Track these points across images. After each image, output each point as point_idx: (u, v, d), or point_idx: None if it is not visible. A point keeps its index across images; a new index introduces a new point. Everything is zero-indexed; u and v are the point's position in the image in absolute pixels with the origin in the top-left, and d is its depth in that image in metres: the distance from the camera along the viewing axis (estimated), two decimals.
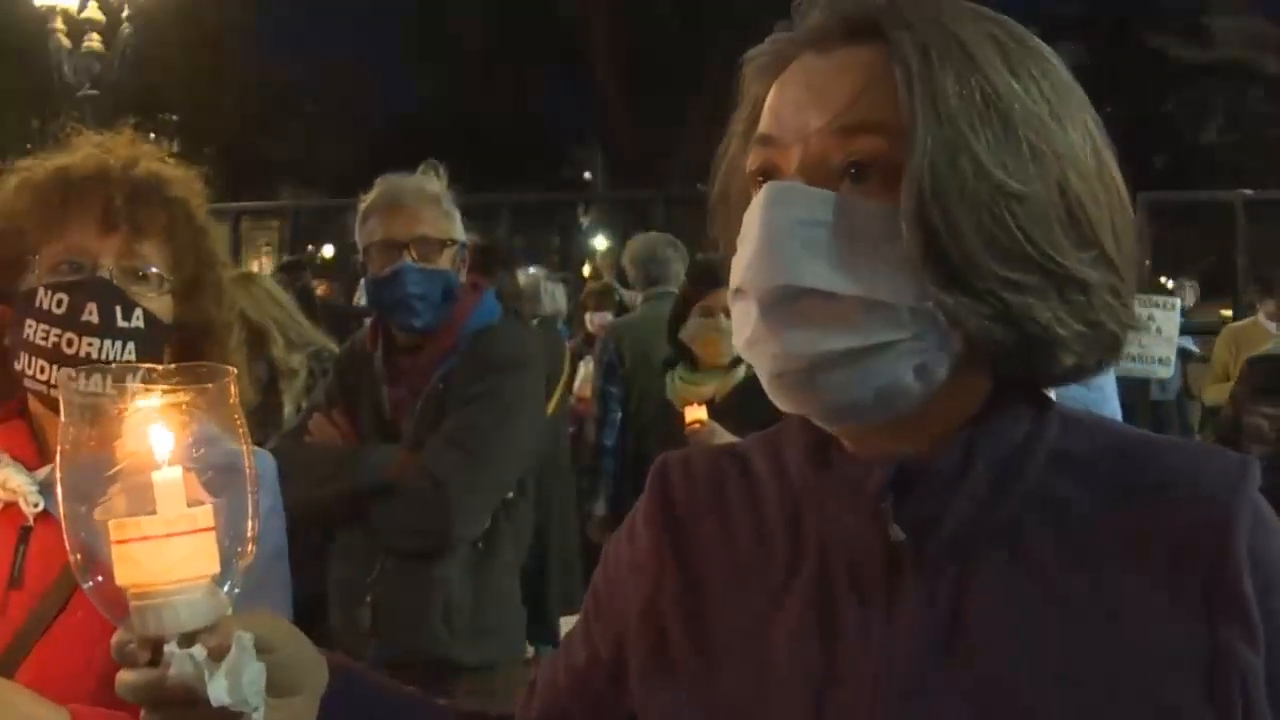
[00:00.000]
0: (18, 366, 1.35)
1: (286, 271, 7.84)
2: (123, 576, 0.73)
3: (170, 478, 0.73)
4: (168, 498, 0.73)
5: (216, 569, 0.75)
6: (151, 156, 1.46)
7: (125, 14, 9.71)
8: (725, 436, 2.86)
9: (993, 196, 0.76)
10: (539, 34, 24.40)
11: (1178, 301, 6.17)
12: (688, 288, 3.57)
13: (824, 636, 0.84)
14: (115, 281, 1.37)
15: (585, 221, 17.44)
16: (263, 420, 3.71)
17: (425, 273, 2.50)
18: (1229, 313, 8.96)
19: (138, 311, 1.37)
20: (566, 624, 2.58)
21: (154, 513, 0.73)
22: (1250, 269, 8.49)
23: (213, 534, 0.74)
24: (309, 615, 2.60)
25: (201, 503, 0.75)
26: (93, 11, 9.49)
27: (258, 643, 0.75)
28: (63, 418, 0.77)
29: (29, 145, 1.50)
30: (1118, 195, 0.84)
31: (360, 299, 8.37)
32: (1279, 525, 0.83)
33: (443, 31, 25.55)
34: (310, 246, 12.37)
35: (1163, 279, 9.63)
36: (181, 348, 1.42)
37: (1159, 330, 5.96)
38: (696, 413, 3.22)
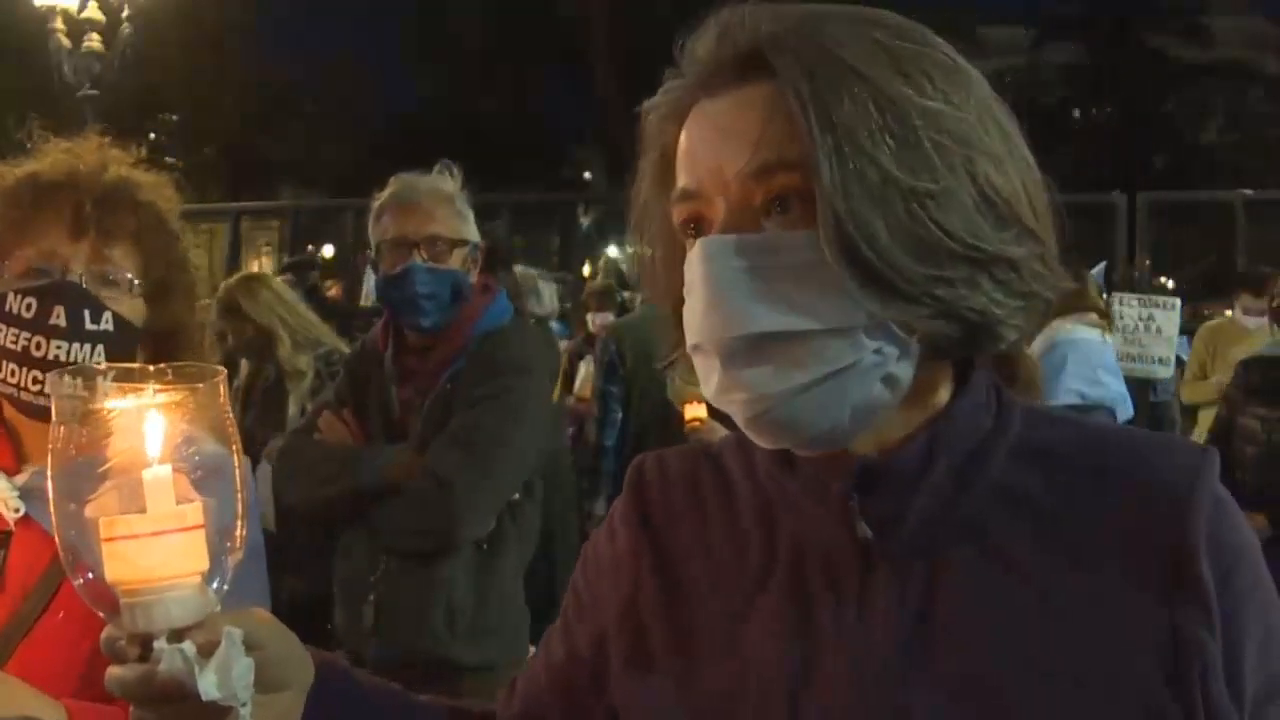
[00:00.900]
0: None
1: (293, 271, 7.82)
2: (113, 573, 0.73)
3: (160, 476, 0.74)
4: (157, 496, 0.74)
5: (206, 566, 0.75)
6: (120, 162, 1.47)
7: (125, 14, 9.71)
8: (725, 434, 2.86)
9: (907, 202, 0.77)
10: (539, 34, 24.42)
11: (1178, 302, 6.18)
12: None
13: (799, 634, 0.85)
14: (85, 285, 1.38)
15: (585, 221, 17.44)
16: (267, 420, 3.73)
17: (434, 273, 2.49)
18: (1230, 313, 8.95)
19: (107, 315, 1.38)
20: None
21: (144, 511, 0.73)
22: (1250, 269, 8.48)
23: (202, 531, 0.75)
24: (310, 615, 2.61)
25: (191, 500, 0.75)
26: (93, 11, 9.49)
27: (247, 639, 0.76)
28: (54, 417, 0.77)
29: (28, 145, 1.50)
30: (1024, 162, 0.84)
31: (368, 298, 8.37)
32: (1239, 514, 0.84)
33: (443, 31, 25.56)
34: (310, 246, 12.36)
35: (1163, 279, 9.62)
36: (154, 351, 1.43)
37: (1159, 330, 5.97)
38: (696, 410, 3.22)
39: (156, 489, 0.73)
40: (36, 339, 1.34)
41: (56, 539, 0.76)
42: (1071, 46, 27.56)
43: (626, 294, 6.98)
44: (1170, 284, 8.98)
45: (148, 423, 0.75)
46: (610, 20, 22.71)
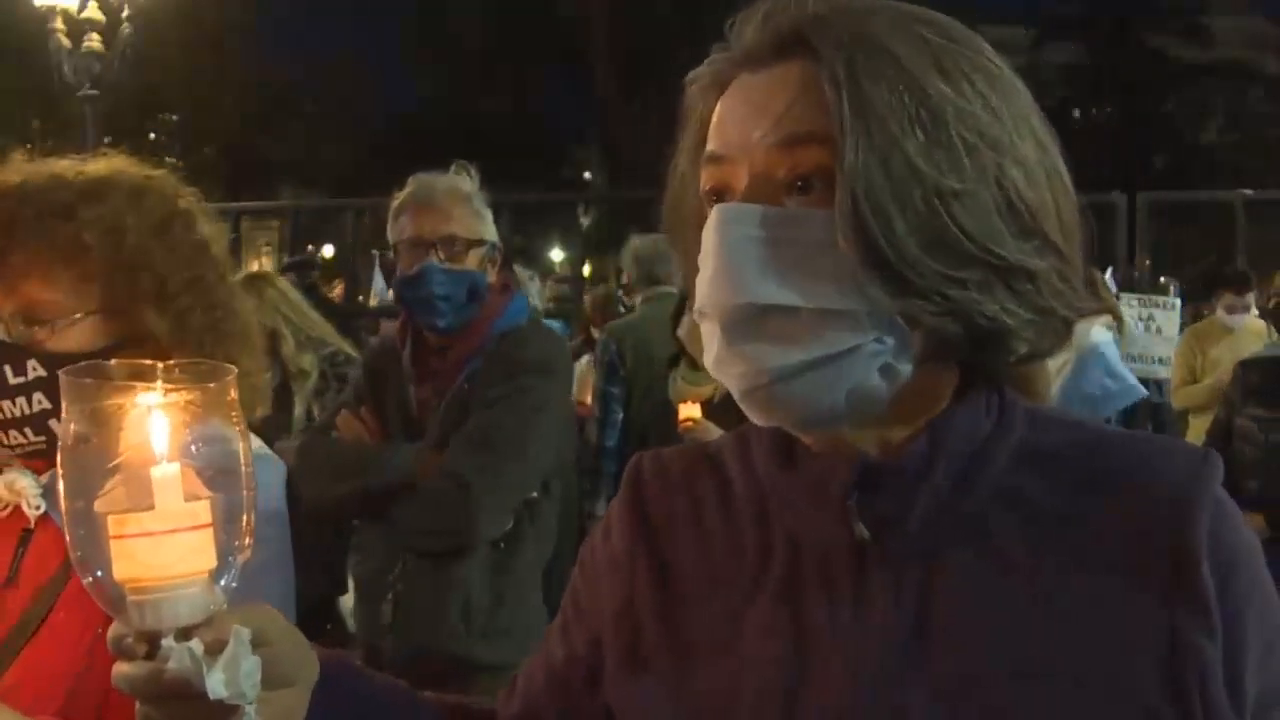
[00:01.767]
0: None
1: (294, 271, 7.82)
2: (121, 571, 0.73)
3: (169, 473, 0.74)
4: (166, 493, 0.74)
5: (214, 564, 0.75)
6: (15, 174, 1.33)
7: (125, 14, 9.69)
8: (718, 435, 2.85)
9: (928, 196, 0.77)
10: (539, 34, 24.43)
11: (1178, 302, 6.18)
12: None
13: (795, 634, 0.85)
14: (11, 335, 1.29)
15: (585, 221, 17.45)
16: (273, 421, 3.73)
17: (450, 273, 2.48)
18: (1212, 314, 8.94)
19: (31, 363, 1.28)
20: None
21: (153, 508, 0.73)
22: (1250, 269, 8.48)
23: (210, 530, 0.75)
24: (317, 615, 2.61)
25: (200, 498, 0.75)
26: (93, 11, 9.47)
27: (254, 636, 0.76)
28: (64, 413, 0.77)
29: (29, 145, 1.44)
30: (1061, 181, 0.84)
31: (375, 298, 8.37)
32: (1241, 518, 0.84)
33: (443, 31, 25.59)
34: (310, 246, 12.36)
35: (1162, 279, 9.62)
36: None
37: (1159, 330, 5.97)
38: (690, 410, 3.22)
39: (165, 486, 0.73)
40: None
41: (66, 536, 0.76)
42: (1071, 46, 27.59)
43: (626, 300, 7.00)
44: (1173, 287, 8.97)
45: (157, 420, 0.75)
46: (610, 20, 22.71)
